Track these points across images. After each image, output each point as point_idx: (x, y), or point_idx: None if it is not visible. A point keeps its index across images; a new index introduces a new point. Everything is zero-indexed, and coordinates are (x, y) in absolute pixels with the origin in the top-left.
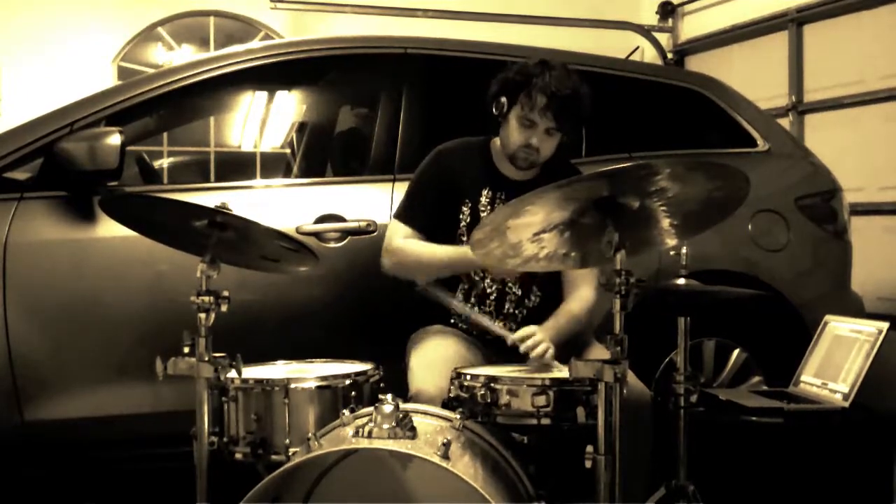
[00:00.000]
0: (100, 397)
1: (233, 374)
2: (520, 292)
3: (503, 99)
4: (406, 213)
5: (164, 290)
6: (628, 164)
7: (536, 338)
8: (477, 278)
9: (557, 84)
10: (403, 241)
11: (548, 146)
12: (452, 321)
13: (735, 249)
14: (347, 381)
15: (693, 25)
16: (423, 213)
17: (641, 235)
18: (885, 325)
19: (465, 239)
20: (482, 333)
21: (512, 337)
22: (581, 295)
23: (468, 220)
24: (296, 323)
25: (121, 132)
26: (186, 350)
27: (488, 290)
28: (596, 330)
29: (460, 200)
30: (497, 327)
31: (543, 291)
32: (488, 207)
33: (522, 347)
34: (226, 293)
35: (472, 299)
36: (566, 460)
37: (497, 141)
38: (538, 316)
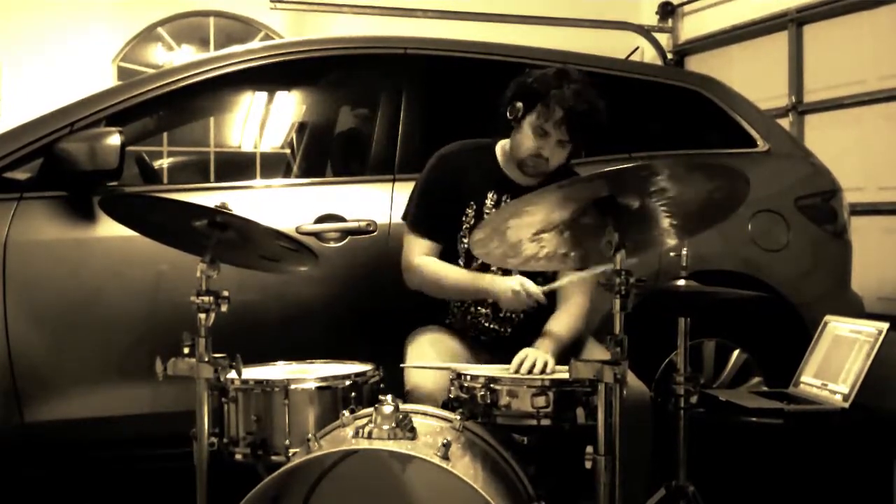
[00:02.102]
0: (100, 397)
1: (233, 374)
2: None
3: (519, 104)
4: (419, 225)
5: (164, 290)
6: (628, 164)
7: (530, 360)
8: None
9: (575, 98)
10: (422, 260)
11: (558, 157)
12: (448, 322)
13: (735, 249)
14: (347, 382)
15: (693, 26)
16: (431, 220)
17: (641, 236)
18: (885, 326)
19: (465, 241)
20: (478, 334)
21: (510, 370)
22: (575, 302)
23: (472, 222)
24: (296, 323)
25: (121, 132)
26: (186, 350)
27: None
28: (595, 331)
29: (465, 203)
30: (493, 368)
31: None
32: (493, 210)
33: (522, 370)
34: (226, 293)
35: (469, 301)
36: (566, 461)
37: (503, 144)
38: (534, 321)
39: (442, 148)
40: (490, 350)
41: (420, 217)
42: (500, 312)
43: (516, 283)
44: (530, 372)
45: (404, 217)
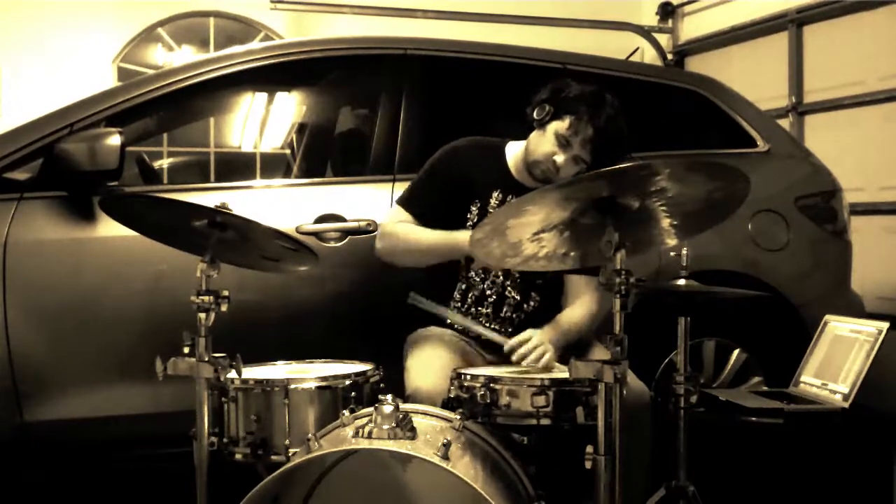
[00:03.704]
0: (100, 397)
1: (232, 374)
2: (518, 297)
3: (549, 107)
4: (407, 200)
5: (164, 290)
6: (628, 164)
7: (531, 344)
8: (477, 280)
9: (609, 124)
10: (398, 225)
11: (568, 170)
12: (449, 322)
13: (735, 249)
14: (347, 382)
15: (693, 26)
16: (426, 203)
17: (641, 235)
18: (885, 325)
19: None
20: (478, 335)
21: (509, 343)
22: (584, 302)
23: (475, 219)
24: (296, 323)
25: (121, 133)
26: (186, 350)
27: (487, 293)
28: (596, 330)
29: (470, 199)
30: (494, 334)
31: (542, 296)
32: (496, 209)
33: (515, 356)
34: (226, 293)
35: (469, 301)
36: (566, 461)
37: (512, 145)
38: (536, 320)
39: (453, 141)
40: (491, 350)
41: (411, 197)
42: (501, 312)
43: None
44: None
45: (399, 198)
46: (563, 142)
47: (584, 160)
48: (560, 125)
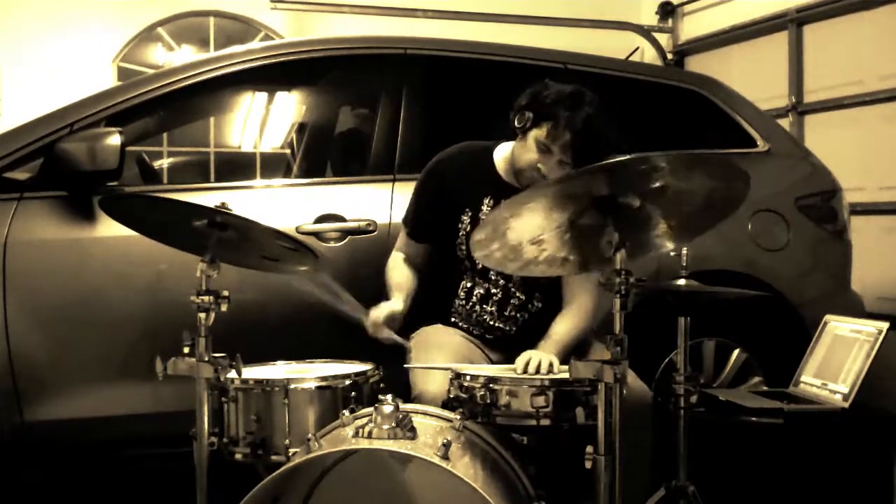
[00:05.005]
0: (100, 397)
1: (232, 374)
2: (523, 297)
3: (528, 114)
4: (406, 224)
5: (163, 289)
6: (627, 157)
7: (534, 362)
8: (480, 279)
9: (585, 124)
10: (394, 254)
11: (555, 175)
12: (453, 320)
13: (735, 249)
14: (347, 382)
15: (693, 26)
16: (418, 219)
17: (641, 237)
18: (885, 325)
19: (463, 248)
20: (482, 333)
21: (516, 369)
22: (580, 304)
23: (468, 229)
24: (296, 323)
25: (121, 132)
26: (186, 350)
27: (492, 291)
28: (596, 330)
29: (460, 209)
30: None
31: (546, 297)
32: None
33: (529, 372)
34: (226, 293)
35: (474, 299)
36: (566, 461)
37: (501, 147)
38: (539, 320)
39: (442, 151)
40: (496, 349)
41: (409, 217)
42: (505, 311)
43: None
44: (537, 371)
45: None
46: (543, 148)
47: (567, 163)
48: (539, 133)
